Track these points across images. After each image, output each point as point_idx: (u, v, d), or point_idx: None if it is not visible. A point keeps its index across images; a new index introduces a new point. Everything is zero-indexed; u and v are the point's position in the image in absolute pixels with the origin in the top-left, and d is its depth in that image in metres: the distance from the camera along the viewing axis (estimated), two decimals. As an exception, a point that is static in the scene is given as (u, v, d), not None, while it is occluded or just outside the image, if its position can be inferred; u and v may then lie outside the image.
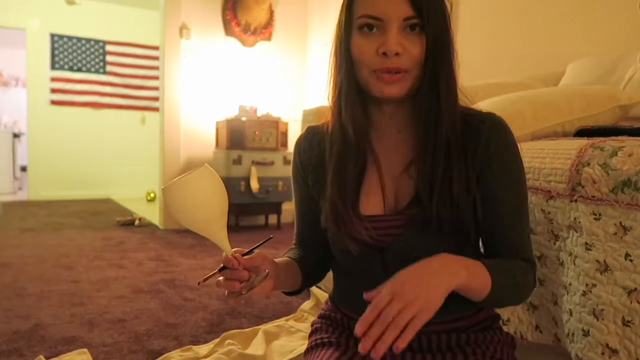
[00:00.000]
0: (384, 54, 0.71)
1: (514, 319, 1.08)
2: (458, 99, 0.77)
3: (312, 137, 0.88)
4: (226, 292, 0.71)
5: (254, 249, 0.75)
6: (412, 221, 0.75)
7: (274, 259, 0.80)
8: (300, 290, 0.89)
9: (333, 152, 0.81)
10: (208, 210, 0.69)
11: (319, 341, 0.86)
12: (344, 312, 0.86)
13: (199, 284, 0.73)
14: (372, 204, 0.79)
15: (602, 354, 0.83)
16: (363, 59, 0.74)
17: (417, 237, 0.75)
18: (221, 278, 0.71)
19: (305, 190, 0.88)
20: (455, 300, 0.73)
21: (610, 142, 0.91)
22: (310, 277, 0.90)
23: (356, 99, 0.77)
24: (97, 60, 6.29)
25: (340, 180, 0.78)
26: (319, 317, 0.93)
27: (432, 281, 0.63)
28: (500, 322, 0.88)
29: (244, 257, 0.72)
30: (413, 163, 0.78)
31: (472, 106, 0.81)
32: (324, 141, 0.84)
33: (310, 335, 0.91)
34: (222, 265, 0.71)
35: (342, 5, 0.78)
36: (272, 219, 4.27)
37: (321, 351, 0.84)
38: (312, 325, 0.93)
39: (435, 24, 0.72)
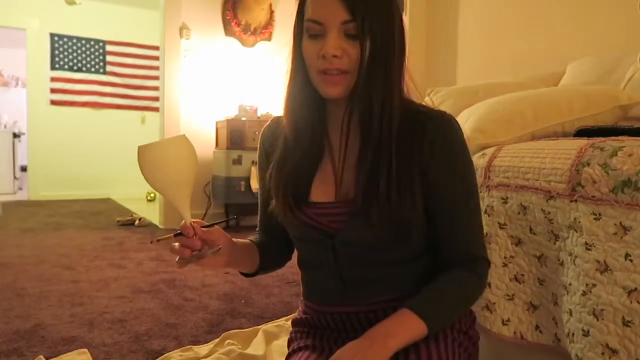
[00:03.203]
0: (324, 56, 0.75)
1: (514, 319, 1.08)
2: (398, 99, 0.78)
3: (275, 127, 0.92)
4: (177, 258, 0.74)
5: (215, 224, 0.78)
6: (356, 211, 0.78)
7: (233, 239, 0.84)
8: (256, 273, 0.92)
9: (279, 144, 0.87)
10: (176, 176, 0.72)
11: (296, 347, 0.89)
12: (313, 307, 0.89)
13: (151, 242, 0.77)
14: (323, 191, 0.83)
15: (602, 354, 0.83)
16: (309, 61, 0.78)
17: (361, 226, 0.78)
18: (176, 244, 0.74)
19: (266, 177, 0.91)
20: (415, 279, 0.80)
21: (610, 142, 0.91)
22: (269, 262, 0.93)
23: (303, 96, 0.82)
24: (97, 60, 6.29)
25: (278, 171, 0.84)
26: (292, 326, 0.95)
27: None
28: (497, 326, 0.89)
29: (202, 228, 0.75)
30: (360, 159, 0.81)
31: (426, 104, 0.85)
32: (278, 131, 0.89)
33: (288, 345, 0.94)
34: (178, 231, 0.74)
35: (297, 9, 0.83)
36: (272, 219, 4.26)
37: (298, 356, 0.86)
38: (289, 334, 0.95)
39: (374, 27, 0.74)
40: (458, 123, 0.81)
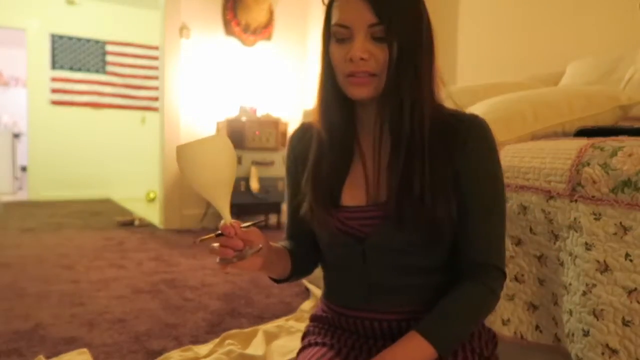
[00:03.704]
0: (351, 59, 0.75)
1: (514, 319, 1.08)
2: (429, 101, 0.78)
3: (304, 132, 0.92)
4: (217, 258, 0.73)
5: (252, 225, 0.78)
6: (389, 214, 0.77)
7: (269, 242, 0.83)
8: (287, 279, 0.91)
9: (312, 148, 0.86)
10: (216, 175, 0.71)
11: (309, 342, 0.88)
12: (334, 309, 0.88)
13: (195, 242, 0.75)
14: (354, 195, 0.82)
15: (602, 354, 0.83)
16: (336, 65, 0.79)
17: (393, 229, 0.77)
18: (216, 245, 0.73)
19: (296, 181, 0.90)
20: (439, 292, 0.77)
21: (610, 142, 0.91)
22: (299, 268, 0.92)
23: (334, 100, 0.82)
24: (97, 60, 6.29)
25: (315, 175, 0.83)
26: (310, 320, 0.94)
27: None
28: (497, 326, 0.89)
29: (242, 228, 0.74)
30: (392, 161, 0.81)
31: (461, 109, 0.83)
32: (312, 136, 0.89)
33: (302, 338, 0.93)
34: (219, 231, 0.73)
35: (324, 16, 0.83)
36: (272, 219, 4.27)
37: (310, 350, 0.85)
38: (305, 328, 0.94)
39: (401, 29, 0.74)
40: (489, 128, 0.80)
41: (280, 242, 0.94)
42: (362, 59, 0.75)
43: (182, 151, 0.71)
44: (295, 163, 0.92)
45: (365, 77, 0.76)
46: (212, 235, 0.73)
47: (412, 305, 0.80)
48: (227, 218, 0.73)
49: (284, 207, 4.30)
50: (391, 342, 0.77)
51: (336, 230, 0.81)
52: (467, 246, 0.79)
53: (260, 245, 0.75)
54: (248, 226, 0.76)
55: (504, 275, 0.80)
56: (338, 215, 0.81)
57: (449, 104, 0.85)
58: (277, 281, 0.91)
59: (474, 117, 0.81)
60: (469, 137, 0.78)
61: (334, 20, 0.78)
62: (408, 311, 0.80)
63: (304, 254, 0.92)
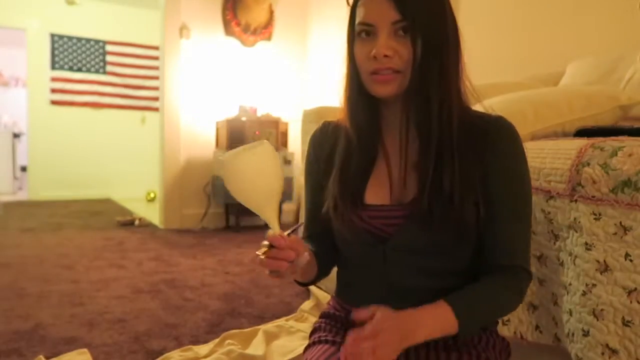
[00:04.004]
0: (375, 57, 0.75)
1: (514, 319, 1.08)
2: (456, 99, 0.78)
3: (326, 130, 0.92)
4: (267, 270, 0.72)
5: (292, 231, 0.76)
6: (413, 213, 0.76)
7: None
8: (313, 281, 0.90)
9: (340, 147, 0.86)
10: (266, 186, 0.70)
11: (318, 339, 0.87)
12: (347, 308, 0.87)
13: (257, 257, 0.71)
14: (378, 194, 0.82)
15: (602, 354, 0.83)
16: (360, 62, 0.79)
17: (417, 229, 0.76)
18: (263, 256, 0.71)
19: (318, 181, 0.90)
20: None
21: (610, 142, 0.91)
22: (322, 270, 0.91)
23: (359, 99, 0.82)
24: (97, 60, 6.29)
25: (343, 172, 0.83)
26: (320, 317, 0.93)
27: (398, 343, 0.66)
28: (498, 326, 0.89)
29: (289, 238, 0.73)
30: (420, 160, 0.80)
31: (483, 109, 0.83)
32: (337, 135, 0.89)
33: (311, 335, 0.91)
34: (268, 243, 0.71)
35: (349, 15, 0.83)
36: (272, 219, 4.26)
37: (318, 347, 0.84)
38: (314, 324, 0.93)
39: (426, 26, 0.74)
40: (515, 128, 0.80)
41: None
42: (385, 55, 0.75)
43: (231, 163, 0.68)
44: (317, 162, 0.91)
45: (389, 74, 0.76)
46: (267, 249, 0.71)
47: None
48: (276, 229, 0.71)
49: (284, 207, 4.28)
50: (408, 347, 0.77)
51: (359, 228, 0.80)
52: (496, 248, 0.78)
53: (307, 254, 0.74)
54: (289, 233, 0.74)
55: (530, 277, 0.80)
56: (362, 213, 0.80)
57: (474, 102, 0.85)
58: (302, 284, 0.89)
59: (502, 119, 0.81)
60: (498, 138, 0.78)
61: (358, 19, 0.78)
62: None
63: (325, 255, 0.91)
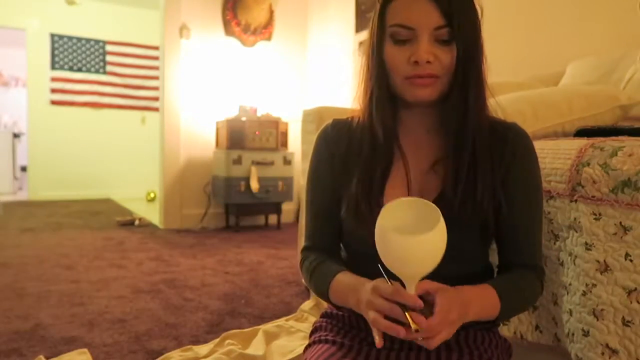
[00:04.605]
0: (416, 62, 0.74)
1: (514, 319, 1.08)
2: (486, 104, 0.80)
3: (339, 128, 0.89)
4: (401, 332, 0.64)
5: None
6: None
7: (343, 272, 0.81)
8: None
9: (363, 152, 0.83)
10: (431, 263, 0.65)
11: (318, 338, 0.86)
12: (348, 308, 0.85)
13: (418, 338, 0.63)
14: (397, 196, 0.79)
15: (602, 354, 0.83)
16: (395, 67, 0.77)
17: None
18: (414, 326, 0.63)
19: (332, 180, 0.87)
20: None
21: (610, 142, 0.91)
22: None
23: (387, 104, 0.81)
24: (97, 60, 6.29)
25: (366, 179, 0.81)
26: (321, 316, 0.92)
27: (458, 323, 0.68)
28: (499, 327, 0.88)
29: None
30: (440, 161, 0.81)
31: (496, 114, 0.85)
32: (350, 135, 0.86)
33: (311, 334, 0.91)
34: (400, 303, 0.65)
35: (374, 13, 0.81)
36: (272, 219, 4.27)
37: (319, 346, 0.83)
38: (314, 324, 0.92)
39: (466, 32, 0.74)
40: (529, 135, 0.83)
41: (325, 262, 0.86)
42: (428, 61, 0.74)
43: (411, 243, 0.63)
44: (331, 160, 0.87)
45: (429, 79, 0.75)
46: (406, 311, 0.64)
47: None
48: (412, 291, 0.66)
49: (284, 206, 4.25)
50: (409, 346, 0.77)
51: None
52: (513, 249, 0.82)
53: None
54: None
55: (544, 274, 0.86)
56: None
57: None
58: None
59: (519, 127, 0.83)
60: (517, 146, 0.80)
61: (394, 20, 0.76)
62: None
63: (346, 266, 0.86)
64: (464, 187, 0.76)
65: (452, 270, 0.76)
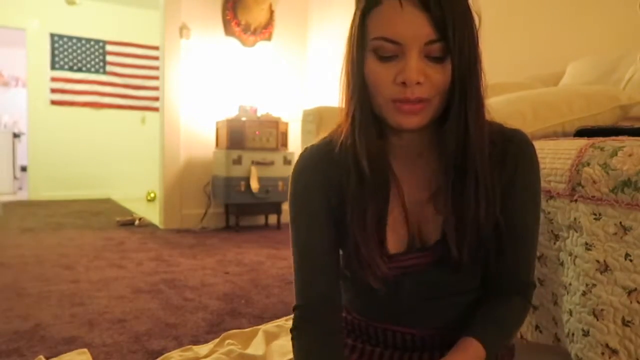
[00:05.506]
0: (403, 83, 0.63)
1: (514, 319, 1.08)
2: (485, 121, 0.70)
3: (326, 154, 0.76)
4: None
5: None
6: (439, 260, 0.72)
7: None
8: None
9: (350, 188, 0.72)
10: None
11: None
12: (354, 315, 0.85)
13: None
14: (396, 240, 0.74)
15: (602, 354, 0.83)
16: (379, 87, 0.65)
17: (442, 273, 0.74)
18: None
19: (326, 212, 0.76)
20: (469, 308, 0.76)
21: (610, 142, 0.91)
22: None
23: (372, 130, 0.70)
24: (97, 60, 6.29)
25: (360, 220, 0.71)
26: None
27: None
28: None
29: None
30: (439, 194, 0.71)
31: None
32: (341, 163, 0.74)
33: None
34: None
35: (353, 21, 0.69)
36: (272, 219, 4.27)
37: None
38: None
39: (462, 47, 0.63)
40: (532, 143, 0.76)
41: (311, 332, 0.78)
42: (417, 82, 0.63)
43: None
44: (324, 190, 0.75)
45: (418, 104, 0.64)
46: None
47: (441, 322, 0.78)
48: None
49: (284, 207, 4.26)
50: (411, 353, 0.77)
51: (384, 277, 0.72)
52: (511, 266, 0.77)
53: None
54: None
55: (534, 286, 0.82)
56: (388, 265, 0.72)
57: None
58: None
59: (521, 136, 0.75)
60: (519, 162, 0.73)
61: (377, 31, 0.64)
62: (436, 327, 0.78)
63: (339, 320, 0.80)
64: (469, 232, 0.69)
65: (450, 299, 0.77)
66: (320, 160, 0.76)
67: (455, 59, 0.63)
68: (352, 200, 0.72)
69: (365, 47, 0.66)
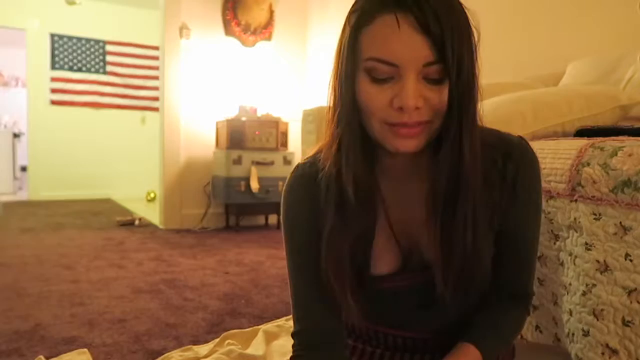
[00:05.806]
0: (400, 108, 0.59)
1: (514, 319, 1.08)
2: (479, 152, 0.65)
3: (314, 173, 0.73)
4: None
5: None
6: (432, 280, 0.70)
7: None
8: None
9: (328, 220, 0.68)
10: None
11: None
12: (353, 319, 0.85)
13: None
14: (388, 261, 0.73)
15: (602, 354, 0.83)
16: (373, 110, 0.61)
17: (434, 291, 0.72)
18: None
19: (316, 231, 0.72)
20: (468, 313, 0.76)
21: (610, 142, 0.91)
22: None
23: (360, 155, 0.65)
24: (97, 60, 6.29)
25: (334, 260, 0.68)
26: None
27: None
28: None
29: None
30: (429, 219, 0.67)
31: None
32: (322, 185, 0.71)
33: None
34: None
35: (343, 36, 0.64)
36: (272, 219, 4.27)
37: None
38: None
39: (462, 67, 0.59)
40: (534, 153, 0.73)
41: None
42: (416, 107, 0.59)
43: None
44: (312, 215, 0.72)
45: (417, 127, 0.61)
46: None
47: (440, 326, 0.78)
48: None
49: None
50: (411, 355, 0.77)
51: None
52: (511, 277, 0.77)
53: None
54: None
55: (532, 296, 0.82)
56: (372, 288, 0.71)
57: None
58: None
59: (521, 146, 0.71)
60: (518, 176, 0.70)
61: (371, 51, 0.60)
62: (435, 330, 0.78)
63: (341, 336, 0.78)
64: (467, 255, 0.66)
65: (451, 304, 0.75)
66: (309, 180, 0.73)
67: (453, 80, 0.59)
68: (328, 238, 0.68)
69: (357, 66, 0.62)
